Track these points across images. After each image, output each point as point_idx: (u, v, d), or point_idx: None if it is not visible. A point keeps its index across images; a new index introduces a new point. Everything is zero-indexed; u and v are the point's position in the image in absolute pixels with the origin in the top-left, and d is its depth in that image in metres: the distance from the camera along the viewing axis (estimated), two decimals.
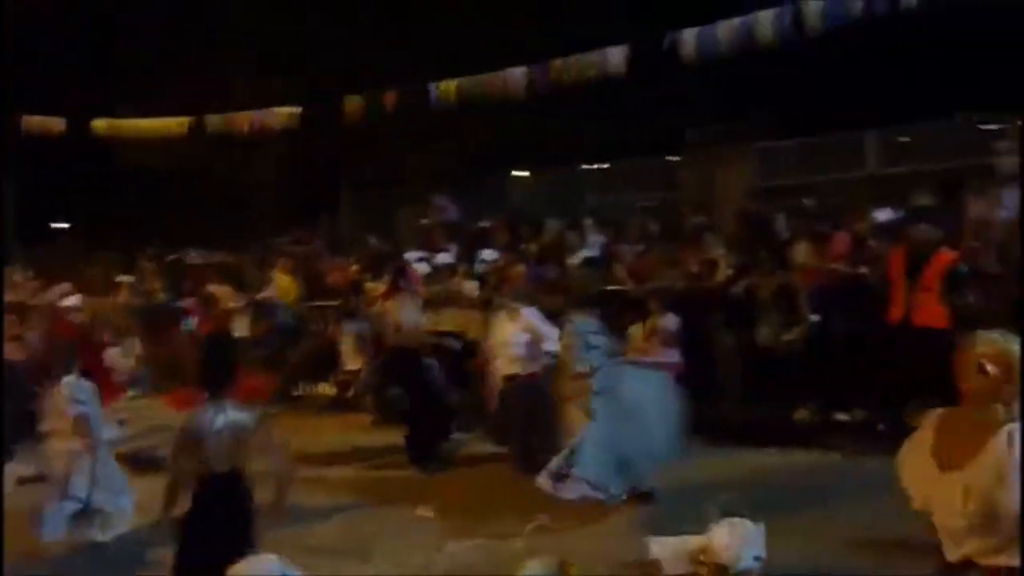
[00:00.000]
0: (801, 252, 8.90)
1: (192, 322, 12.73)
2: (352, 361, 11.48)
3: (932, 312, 7.81)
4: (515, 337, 8.36)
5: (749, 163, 15.21)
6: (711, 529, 5.55)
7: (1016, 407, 3.33)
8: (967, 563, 3.36)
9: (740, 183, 14.14)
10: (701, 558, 5.54)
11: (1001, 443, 3.28)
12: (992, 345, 3.40)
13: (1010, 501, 3.21)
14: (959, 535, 3.37)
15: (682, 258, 10.06)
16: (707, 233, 10.15)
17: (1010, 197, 9.41)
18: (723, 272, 9.49)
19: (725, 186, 14.19)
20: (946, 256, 7.94)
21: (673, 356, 9.35)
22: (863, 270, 8.56)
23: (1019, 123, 10.84)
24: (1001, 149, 9.99)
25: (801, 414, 9.17)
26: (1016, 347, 3.35)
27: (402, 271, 9.99)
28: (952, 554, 3.41)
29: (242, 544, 4.42)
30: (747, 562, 5.48)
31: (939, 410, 3.64)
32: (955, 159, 13.39)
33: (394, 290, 9.62)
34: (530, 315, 8.47)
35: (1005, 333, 3.43)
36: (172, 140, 17.70)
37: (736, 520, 5.67)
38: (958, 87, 14.86)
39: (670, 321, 9.34)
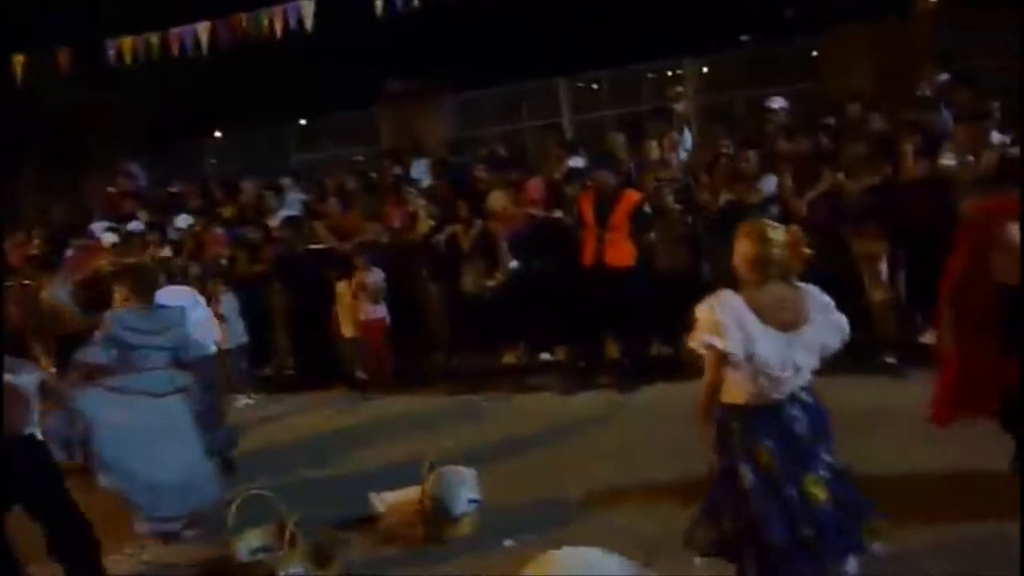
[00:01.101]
0: (498, 200, 9.04)
1: None
2: None
3: (621, 251, 8.17)
4: None
5: (447, 114, 15.32)
6: (427, 478, 5.59)
7: None
8: None
9: (439, 134, 14.22)
10: (418, 507, 5.58)
11: None
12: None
13: None
14: None
15: (384, 212, 9.98)
16: (405, 186, 10.10)
17: (687, 138, 10.04)
18: (424, 224, 9.50)
19: (424, 137, 14.21)
20: (631, 197, 8.30)
21: (380, 311, 9.32)
22: (558, 214, 8.81)
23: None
24: (676, 94, 10.58)
25: (509, 358, 9.43)
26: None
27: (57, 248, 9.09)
28: None
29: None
30: (463, 506, 5.60)
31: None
32: (640, 104, 14.17)
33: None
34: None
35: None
36: None
37: (450, 467, 5.77)
38: (639, 34, 15.67)
39: (376, 276, 9.27)
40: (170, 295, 6.84)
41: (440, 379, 9.44)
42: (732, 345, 3.71)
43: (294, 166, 15.70)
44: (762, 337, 3.73)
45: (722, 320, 3.73)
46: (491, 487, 5.87)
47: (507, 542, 5.38)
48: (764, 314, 3.78)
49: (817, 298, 3.99)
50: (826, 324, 3.93)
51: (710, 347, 3.76)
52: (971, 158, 7.71)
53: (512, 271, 8.90)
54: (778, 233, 3.96)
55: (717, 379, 3.86)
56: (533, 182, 9.34)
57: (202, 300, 7.63)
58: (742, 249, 3.96)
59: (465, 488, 5.67)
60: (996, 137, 7.86)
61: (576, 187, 8.70)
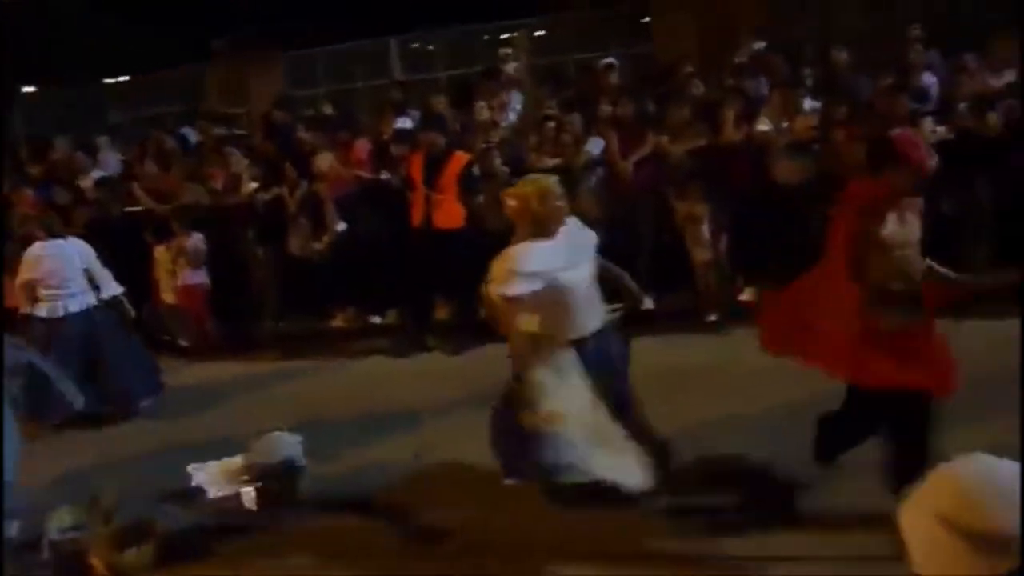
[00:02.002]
0: (324, 161, 8.82)
1: None
2: None
3: (450, 213, 8.12)
4: None
5: (277, 72, 14.88)
6: (252, 446, 5.46)
7: None
8: None
9: (269, 92, 13.79)
10: (244, 477, 5.44)
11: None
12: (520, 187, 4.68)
13: None
14: None
15: (206, 173, 9.60)
16: (228, 146, 9.73)
17: (516, 101, 10.04)
18: (248, 185, 9.19)
19: (254, 95, 13.76)
20: (460, 159, 8.25)
21: (200, 276, 8.99)
22: (386, 176, 8.67)
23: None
24: (506, 56, 10.55)
25: (338, 321, 9.27)
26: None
27: None
28: None
29: None
30: (289, 473, 5.49)
31: None
32: (473, 65, 14.11)
33: None
34: None
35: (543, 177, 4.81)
36: None
37: (274, 434, 5.65)
38: None
39: (196, 240, 8.92)
40: None
41: (268, 344, 9.19)
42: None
43: (111, 125, 14.92)
44: None
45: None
46: (317, 452, 5.78)
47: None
48: None
49: None
50: None
51: None
52: (785, 124, 8.01)
53: (340, 233, 8.72)
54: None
55: None
56: (360, 143, 9.16)
57: None
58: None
59: (290, 454, 5.57)
60: (808, 104, 8.19)
61: (404, 148, 8.57)
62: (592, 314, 4.58)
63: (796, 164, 7.93)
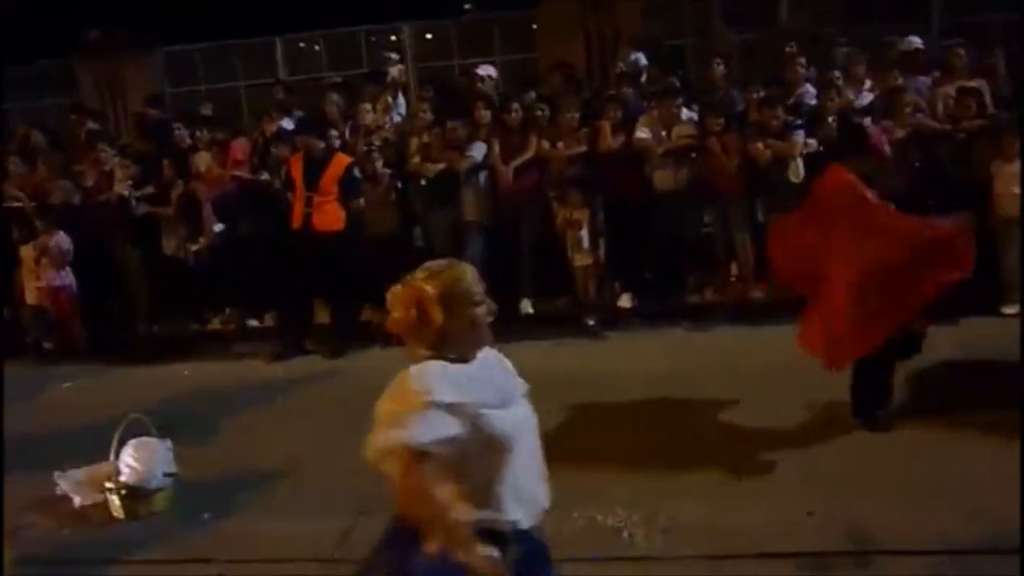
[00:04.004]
0: (202, 160, 8.63)
1: None
2: None
3: (330, 215, 8.03)
4: None
5: (155, 68, 14.47)
6: (120, 452, 5.29)
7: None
8: None
9: (145, 88, 13.39)
10: (109, 484, 5.26)
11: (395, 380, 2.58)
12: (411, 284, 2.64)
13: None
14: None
15: (77, 170, 9.27)
16: (101, 143, 9.42)
17: (400, 104, 10.00)
18: (122, 183, 8.91)
19: (130, 91, 13.35)
20: (341, 161, 8.18)
21: (65, 278, 8.68)
22: (265, 177, 8.53)
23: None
24: (392, 58, 10.50)
25: (215, 324, 9.08)
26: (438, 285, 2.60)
27: None
28: None
29: None
30: (158, 480, 5.35)
31: None
32: (360, 67, 13.99)
33: None
34: None
35: (450, 264, 2.69)
36: None
37: (143, 440, 5.48)
38: None
39: (61, 240, 8.61)
40: None
41: (141, 348, 8.92)
42: None
43: None
44: None
45: None
46: (190, 459, 5.64)
47: (205, 515, 5.20)
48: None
49: None
50: None
51: None
52: (663, 133, 8.19)
53: (217, 234, 8.54)
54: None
55: None
56: (238, 143, 8.98)
57: None
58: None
59: (160, 461, 5.42)
60: (685, 113, 8.39)
61: (284, 149, 8.44)
62: (533, 498, 2.73)
63: (673, 172, 8.12)
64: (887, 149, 7.28)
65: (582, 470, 5.31)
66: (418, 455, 2.45)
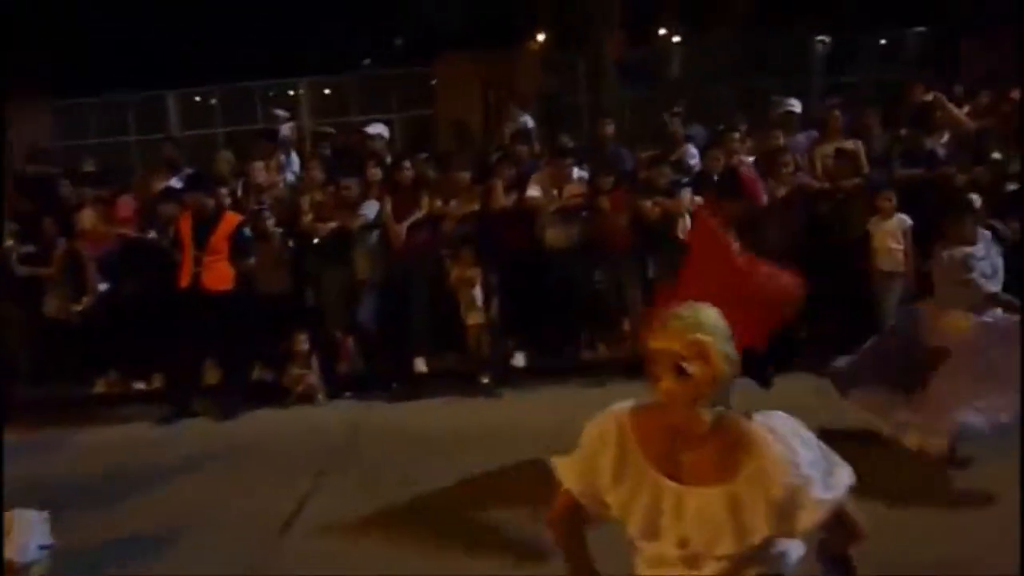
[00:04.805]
0: (87, 218, 8.42)
1: None
2: None
3: (220, 274, 7.91)
4: None
5: (46, 119, 14.14)
6: None
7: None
8: None
9: (31, 141, 13.02)
10: None
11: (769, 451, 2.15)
12: (688, 337, 2.16)
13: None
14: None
15: None
16: None
17: (293, 161, 9.93)
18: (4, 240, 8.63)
19: (16, 144, 12.96)
20: (232, 219, 8.08)
21: None
22: (152, 235, 8.37)
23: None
24: (281, 116, 10.45)
25: (100, 387, 8.79)
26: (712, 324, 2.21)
27: None
28: None
29: None
30: (33, 554, 5.10)
31: (624, 408, 2.38)
32: (255, 122, 13.90)
33: None
34: None
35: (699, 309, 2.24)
36: None
37: (18, 511, 5.23)
38: (254, 52, 15.38)
39: None
40: None
41: (20, 411, 8.56)
42: None
43: None
44: None
45: None
46: (69, 529, 5.40)
47: None
48: None
49: None
50: None
51: None
52: (555, 191, 8.31)
53: (102, 294, 8.32)
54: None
55: None
56: (124, 200, 8.80)
57: None
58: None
59: (35, 533, 5.17)
60: (576, 172, 8.54)
61: (172, 207, 8.30)
62: None
63: (564, 230, 8.24)
64: (764, 196, 7.53)
65: (474, 525, 5.35)
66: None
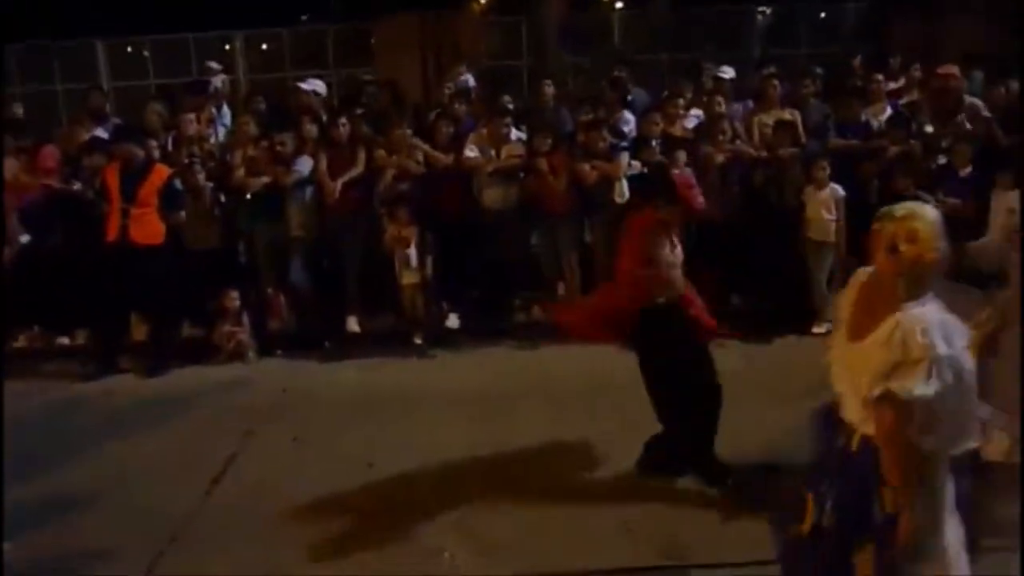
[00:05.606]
0: (8, 167, 8.12)
1: None
2: None
3: (149, 228, 7.71)
4: None
5: None
6: None
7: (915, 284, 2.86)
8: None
9: None
10: None
11: (888, 327, 2.83)
12: (904, 222, 2.85)
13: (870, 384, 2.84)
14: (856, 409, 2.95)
15: None
16: None
17: (225, 115, 9.73)
18: None
19: None
20: (161, 172, 7.87)
21: None
22: (77, 186, 8.11)
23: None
24: (214, 68, 10.21)
25: (21, 342, 8.55)
26: (928, 218, 2.87)
27: None
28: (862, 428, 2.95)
29: None
30: None
31: (865, 270, 3.06)
32: (188, 75, 13.56)
33: None
34: None
35: (921, 206, 2.96)
36: None
37: None
38: (190, 2, 15.02)
39: None
40: None
41: None
42: None
43: None
44: None
45: None
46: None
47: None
48: None
49: None
50: None
51: None
52: (492, 152, 8.24)
53: (23, 246, 8.07)
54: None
55: None
56: (48, 149, 8.50)
57: None
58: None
59: None
60: (515, 134, 8.47)
61: (99, 157, 8.05)
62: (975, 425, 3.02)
63: (502, 191, 8.18)
64: (700, 201, 7.46)
65: (401, 487, 5.32)
66: (909, 404, 2.77)
